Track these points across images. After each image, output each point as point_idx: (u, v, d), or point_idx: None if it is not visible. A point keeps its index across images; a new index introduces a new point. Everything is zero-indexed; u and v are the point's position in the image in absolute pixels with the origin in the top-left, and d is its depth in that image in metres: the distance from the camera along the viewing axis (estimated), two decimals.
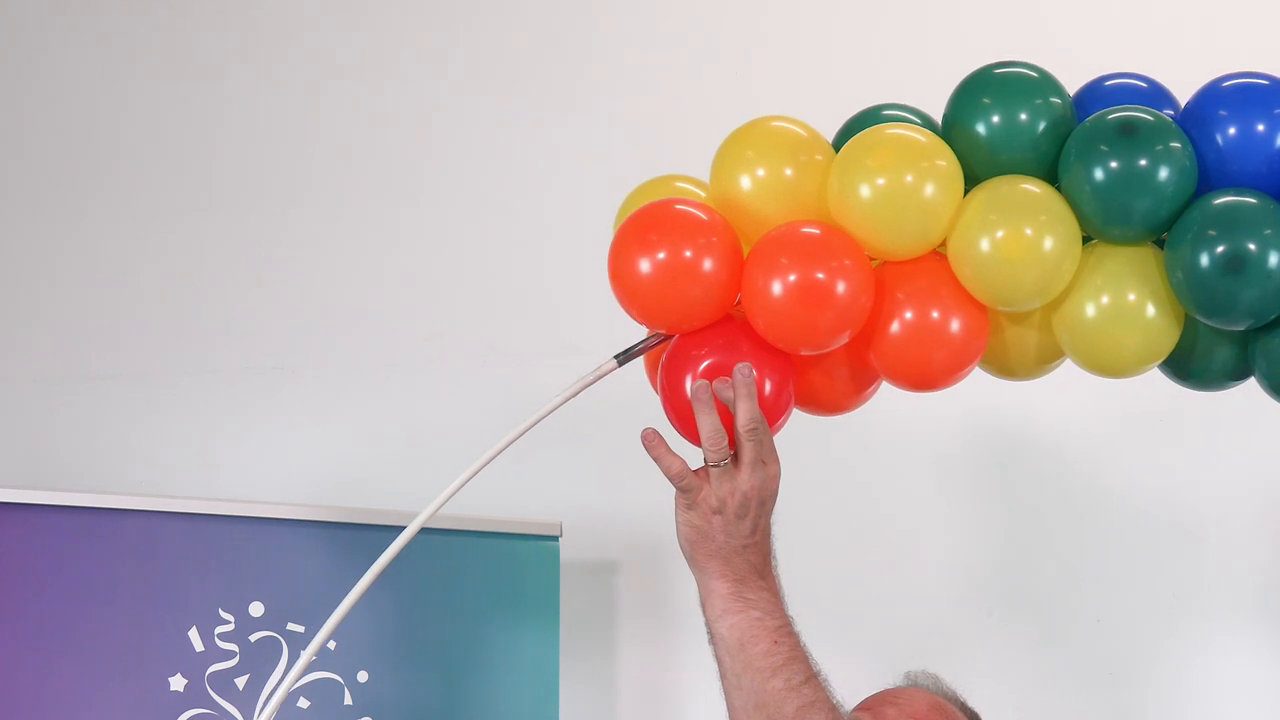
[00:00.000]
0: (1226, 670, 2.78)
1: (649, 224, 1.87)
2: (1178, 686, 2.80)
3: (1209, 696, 2.79)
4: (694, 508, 1.87)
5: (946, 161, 1.85)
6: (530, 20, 3.13)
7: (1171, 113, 1.90)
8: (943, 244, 1.90)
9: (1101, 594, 2.83)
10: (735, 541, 1.87)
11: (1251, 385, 1.96)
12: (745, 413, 1.85)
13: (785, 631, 1.85)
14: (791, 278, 1.83)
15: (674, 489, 1.88)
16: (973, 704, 2.15)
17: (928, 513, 2.90)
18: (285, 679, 1.91)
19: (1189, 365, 1.93)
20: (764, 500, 1.88)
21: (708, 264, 1.84)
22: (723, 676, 1.85)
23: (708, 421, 1.86)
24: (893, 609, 2.88)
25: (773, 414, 1.90)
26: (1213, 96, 1.88)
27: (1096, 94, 1.93)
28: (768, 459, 1.88)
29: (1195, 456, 2.82)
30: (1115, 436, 2.85)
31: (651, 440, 1.88)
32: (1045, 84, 1.89)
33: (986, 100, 1.88)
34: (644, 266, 1.85)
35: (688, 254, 1.84)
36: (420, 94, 3.14)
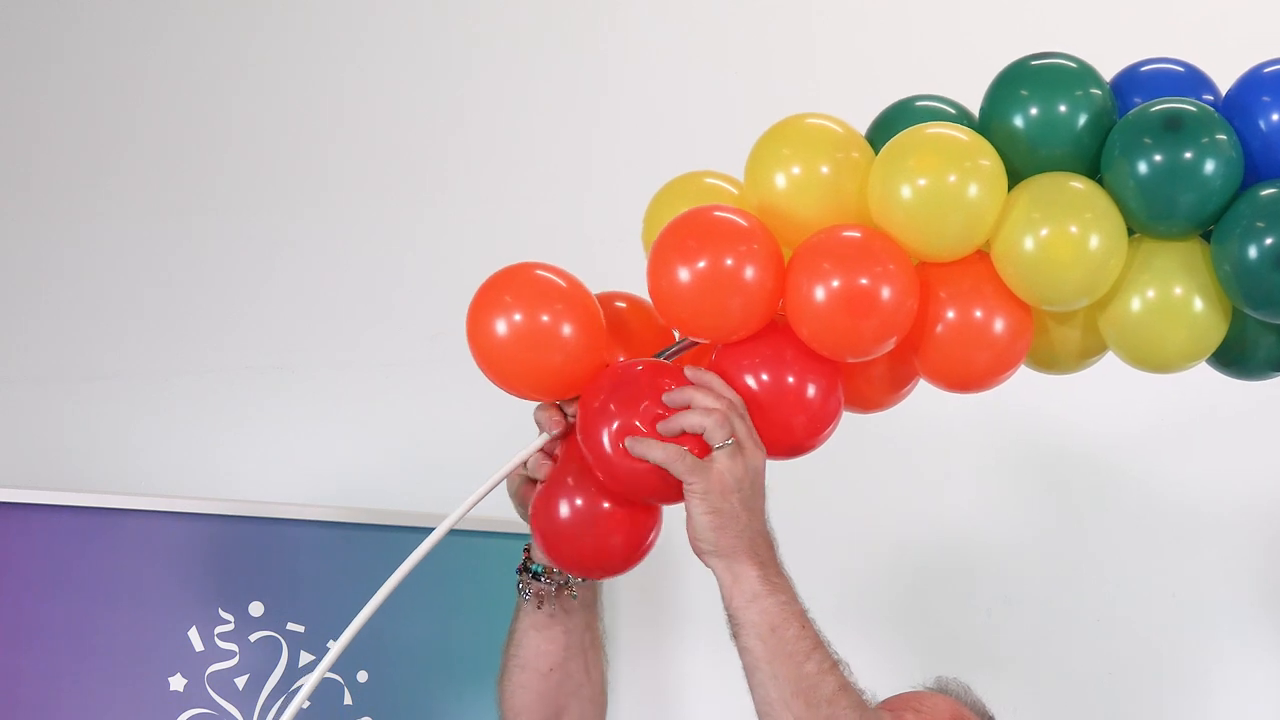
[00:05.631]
0: (1226, 670, 2.78)
1: (688, 232, 1.81)
2: (1177, 686, 2.80)
3: (1209, 696, 2.79)
4: (709, 493, 1.81)
5: (990, 160, 1.82)
6: (535, 20, 3.13)
7: (1210, 98, 1.88)
8: (986, 243, 1.87)
9: (1101, 594, 2.83)
10: (756, 521, 1.83)
11: (1252, 385, 1.96)
12: (722, 396, 1.82)
13: (808, 618, 1.83)
14: (835, 284, 1.78)
15: (683, 482, 1.82)
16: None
17: (927, 512, 2.90)
18: (303, 689, 1.91)
19: (1233, 354, 1.90)
20: (763, 479, 1.85)
21: (749, 272, 1.80)
22: (753, 670, 1.81)
23: (695, 416, 1.81)
24: (891, 609, 2.88)
25: (822, 421, 1.87)
26: (1255, 83, 1.85)
27: (1134, 80, 1.90)
28: (757, 437, 1.85)
29: (1195, 456, 2.82)
30: (1116, 437, 2.85)
31: (635, 443, 1.83)
32: (1084, 74, 1.86)
33: (1025, 93, 1.84)
34: (684, 276, 1.79)
35: (729, 262, 1.79)
36: (422, 95, 3.14)
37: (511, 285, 1.85)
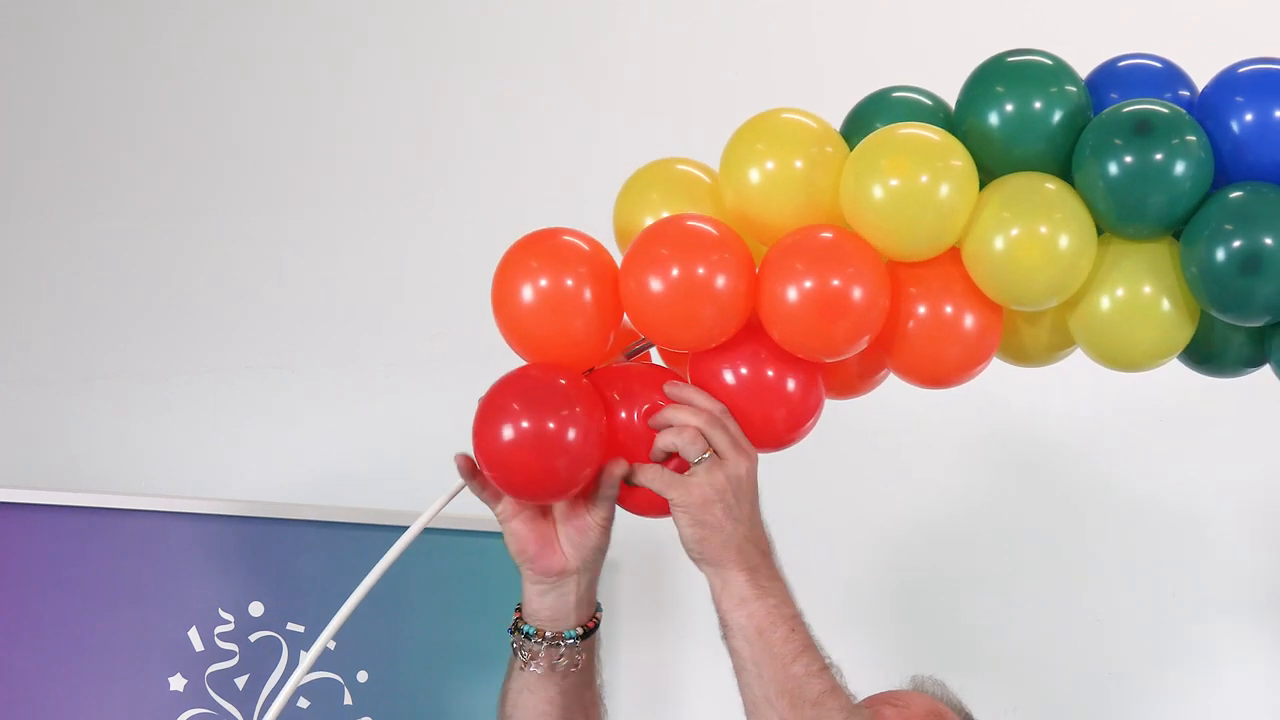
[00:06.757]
0: (1227, 670, 2.78)
1: (660, 242, 1.82)
2: (1178, 686, 2.80)
3: (1209, 696, 2.79)
4: (689, 506, 1.84)
5: (961, 161, 1.82)
6: (535, 19, 3.13)
7: (1187, 94, 1.88)
8: (957, 242, 1.87)
9: (1101, 594, 2.83)
10: (742, 528, 1.85)
11: (1251, 383, 1.96)
12: (700, 409, 1.85)
13: (799, 621, 1.84)
14: (807, 285, 1.79)
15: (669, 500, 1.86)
16: (974, 704, 2.15)
17: (926, 511, 2.90)
18: (284, 687, 1.91)
19: (1205, 352, 1.90)
20: (753, 484, 1.87)
21: (721, 281, 1.80)
22: (740, 670, 1.83)
23: (669, 435, 1.85)
24: (891, 609, 2.88)
25: (803, 414, 1.89)
26: (1228, 84, 1.84)
27: (1111, 75, 1.90)
28: (743, 443, 1.86)
29: (1195, 455, 2.82)
30: (1115, 436, 2.85)
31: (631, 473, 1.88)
32: (1060, 72, 1.85)
33: (1000, 89, 1.84)
34: (656, 286, 1.80)
35: (700, 272, 1.80)
36: (422, 94, 3.14)
37: (536, 250, 1.86)
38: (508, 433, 1.81)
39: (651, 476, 1.86)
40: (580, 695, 1.95)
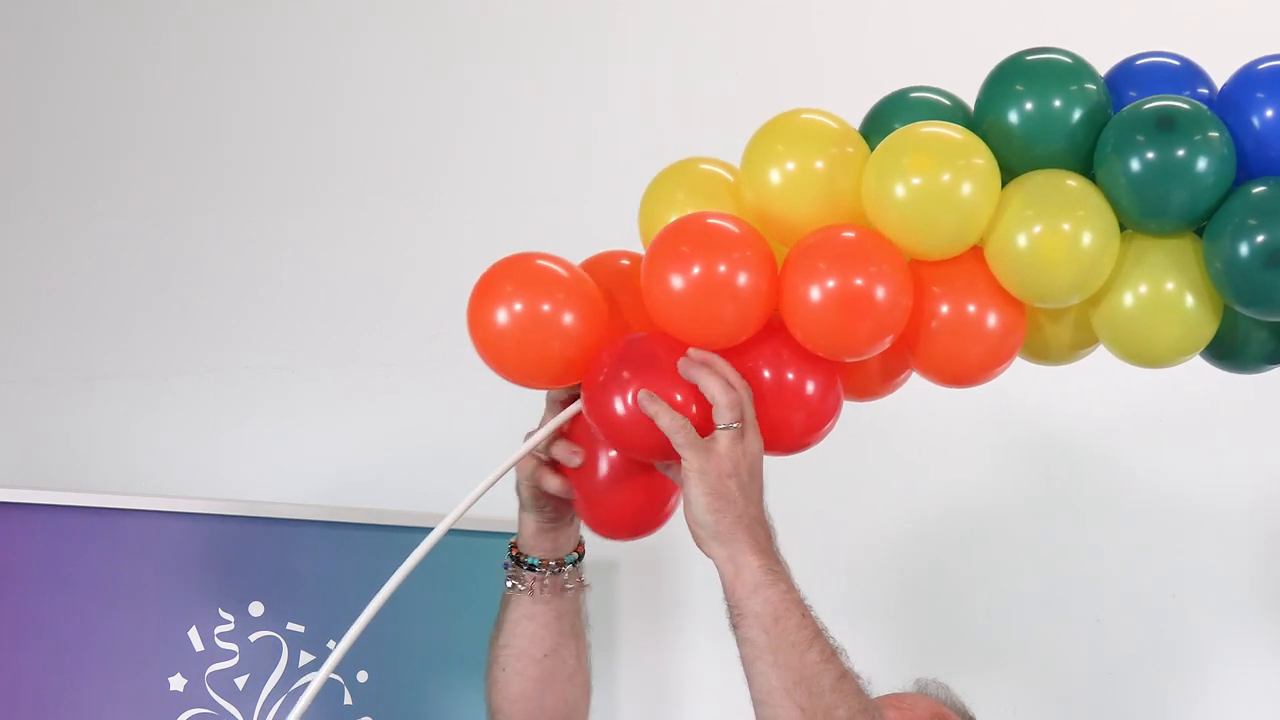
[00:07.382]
0: (1227, 670, 2.78)
1: (681, 239, 1.82)
2: (1178, 686, 2.80)
3: (1209, 696, 2.79)
4: (706, 473, 1.81)
5: (983, 159, 1.82)
6: (536, 19, 3.13)
7: (1205, 91, 1.88)
8: (980, 240, 1.87)
9: (1101, 594, 2.83)
10: (754, 508, 1.83)
11: (1254, 384, 1.96)
12: (727, 380, 1.83)
13: (806, 606, 1.83)
14: (830, 285, 1.79)
15: (682, 468, 1.82)
16: (974, 704, 2.15)
17: (926, 512, 2.90)
18: (307, 691, 1.91)
19: (1226, 349, 1.90)
20: (761, 466, 1.85)
21: (743, 279, 1.80)
22: (755, 659, 1.80)
23: (715, 384, 1.82)
24: (891, 609, 2.88)
25: (821, 417, 1.88)
26: (1249, 80, 1.85)
27: (1129, 74, 1.90)
28: (756, 425, 1.85)
29: (1196, 456, 2.82)
30: (1115, 436, 2.85)
31: (649, 400, 1.83)
32: (1079, 70, 1.86)
33: (1020, 88, 1.85)
34: (677, 284, 1.80)
35: (722, 269, 1.79)
36: (422, 94, 3.14)
37: (512, 275, 1.86)
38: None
39: (675, 426, 1.82)
40: (573, 622, 2.02)
